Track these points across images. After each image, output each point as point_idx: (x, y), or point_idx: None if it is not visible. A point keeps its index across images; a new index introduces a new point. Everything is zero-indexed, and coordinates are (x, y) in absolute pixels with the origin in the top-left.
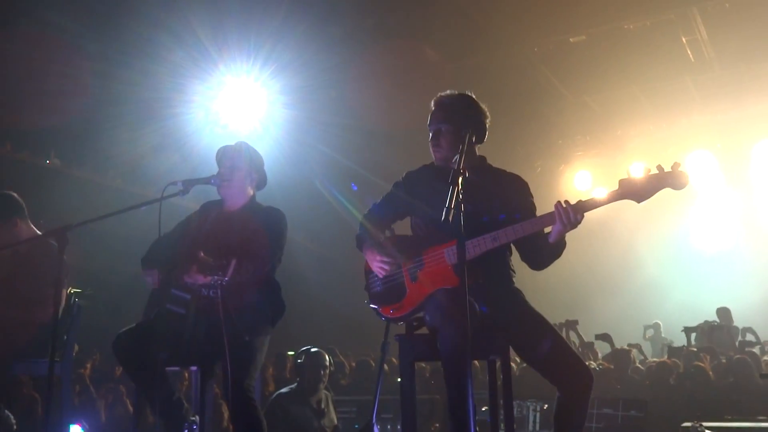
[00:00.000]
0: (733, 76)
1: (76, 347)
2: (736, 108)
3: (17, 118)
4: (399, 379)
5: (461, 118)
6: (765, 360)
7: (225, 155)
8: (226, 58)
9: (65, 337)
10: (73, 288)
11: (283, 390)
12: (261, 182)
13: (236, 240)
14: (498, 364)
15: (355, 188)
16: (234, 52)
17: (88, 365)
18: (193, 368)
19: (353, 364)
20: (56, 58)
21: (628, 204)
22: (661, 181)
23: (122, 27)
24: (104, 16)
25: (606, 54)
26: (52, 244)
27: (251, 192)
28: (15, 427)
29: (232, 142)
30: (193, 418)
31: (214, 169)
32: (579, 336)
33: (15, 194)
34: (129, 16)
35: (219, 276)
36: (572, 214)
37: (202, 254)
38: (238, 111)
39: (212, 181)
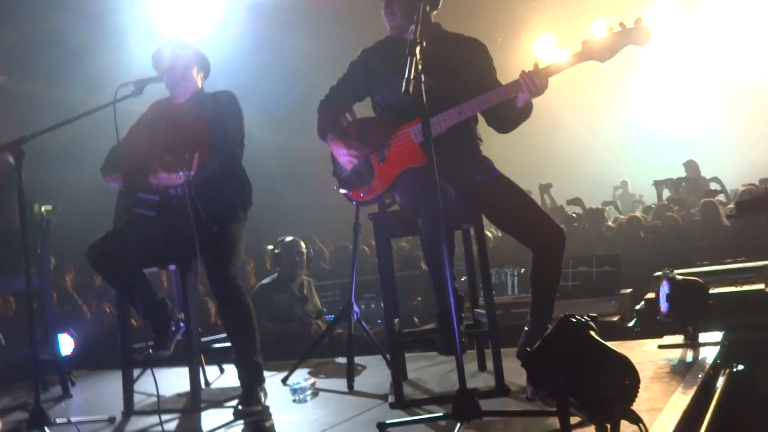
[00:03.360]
0: None
1: (53, 260)
2: None
3: None
4: None
5: None
6: (729, 207)
7: (166, 55)
8: None
9: (39, 251)
10: (43, 204)
11: (265, 281)
12: (207, 69)
13: (192, 131)
14: (472, 232)
15: None
16: None
17: (68, 277)
18: (172, 267)
19: (332, 249)
20: None
21: (590, 66)
22: (623, 38)
23: None
24: None
25: None
26: (8, 159)
27: (200, 83)
28: (2, 342)
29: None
30: (180, 316)
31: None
32: (552, 200)
33: None
34: None
35: (185, 172)
36: (537, 80)
37: (162, 157)
38: (176, 11)
39: (165, 81)
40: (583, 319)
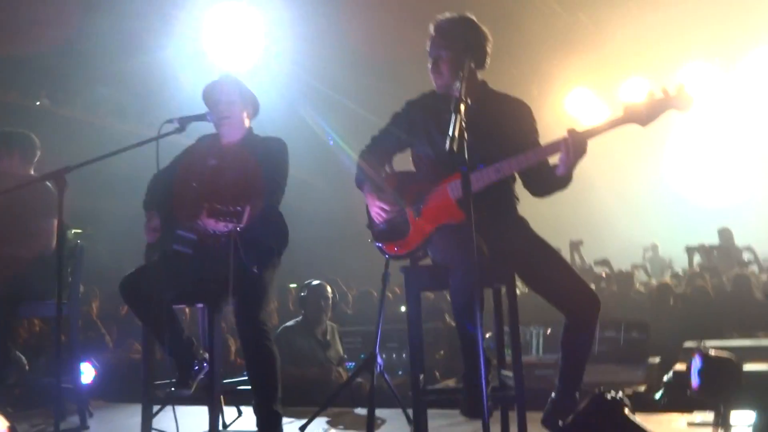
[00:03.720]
0: None
1: (82, 287)
2: (734, 18)
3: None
4: (403, 308)
5: (461, 43)
6: (763, 279)
7: (216, 91)
8: None
9: (70, 279)
10: (73, 228)
11: (289, 323)
12: (255, 111)
13: (242, 177)
14: (503, 291)
15: (332, 143)
16: None
17: (94, 304)
18: (200, 305)
19: (355, 293)
20: None
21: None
22: (665, 104)
23: None
24: None
25: None
26: (46, 184)
27: (248, 123)
28: (27, 367)
29: (219, 75)
30: (203, 355)
31: (201, 103)
32: (582, 258)
33: (33, 136)
34: None
35: (234, 223)
36: (581, 142)
37: (213, 204)
38: (227, 44)
39: (209, 117)
40: (617, 397)
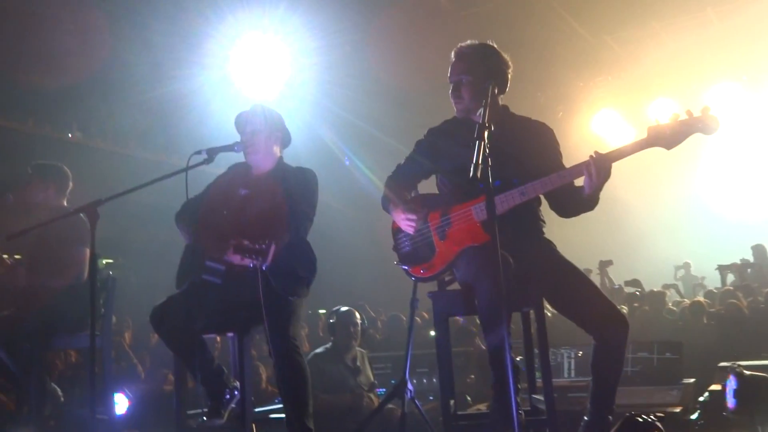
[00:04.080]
0: (758, 4)
1: (114, 318)
2: (762, 38)
3: (33, 78)
4: (432, 333)
5: (482, 69)
6: None
7: (243, 121)
8: (239, 16)
9: (102, 310)
10: (104, 258)
11: (318, 350)
12: (285, 140)
13: (267, 207)
14: (532, 314)
15: (348, 162)
16: (250, 9)
17: (127, 334)
18: (230, 334)
19: (384, 318)
20: (68, 17)
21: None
22: (691, 127)
23: None
24: None
25: None
26: (82, 216)
27: (278, 152)
28: (62, 399)
29: (247, 104)
30: (234, 384)
31: (231, 130)
32: (610, 280)
33: (68, 171)
34: None
35: (259, 261)
36: (605, 165)
37: (240, 240)
38: (253, 73)
39: (236, 148)
40: (649, 419)
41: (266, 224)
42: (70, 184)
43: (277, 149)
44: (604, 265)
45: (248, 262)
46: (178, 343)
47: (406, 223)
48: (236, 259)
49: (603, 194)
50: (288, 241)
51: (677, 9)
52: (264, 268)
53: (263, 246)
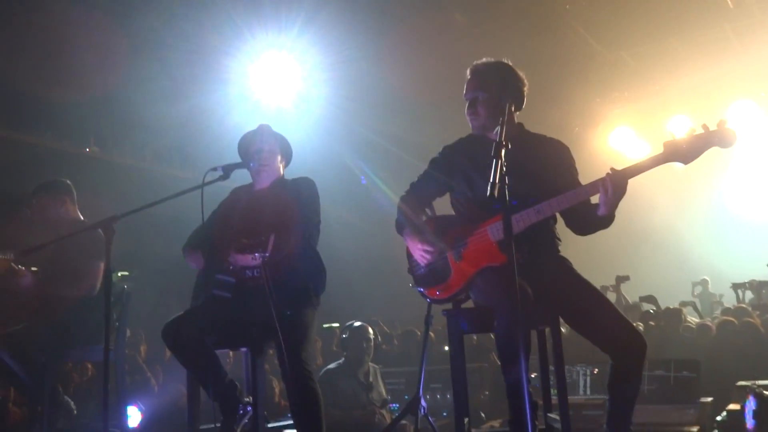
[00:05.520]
0: None
1: (129, 332)
2: None
3: (51, 93)
4: (446, 348)
5: (498, 86)
6: None
7: (257, 140)
8: (256, 32)
9: (117, 323)
10: (119, 271)
11: (331, 366)
12: (289, 160)
13: (270, 215)
14: (547, 331)
15: (364, 182)
16: (266, 26)
17: (142, 348)
18: (243, 349)
19: (398, 333)
20: (87, 34)
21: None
22: (707, 141)
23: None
24: None
25: (641, 6)
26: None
27: (282, 171)
28: (75, 411)
29: (263, 120)
30: (247, 399)
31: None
32: (624, 297)
33: (69, 182)
34: None
35: (260, 253)
36: (620, 182)
37: (240, 239)
38: (271, 88)
39: (251, 165)
40: None
41: (268, 226)
42: (74, 192)
43: (282, 168)
44: (621, 280)
45: (250, 259)
46: (191, 359)
47: (421, 254)
48: (240, 259)
49: (620, 209)
50: (295, 243)
51: (694, 25)
52: (266, 259)
53: (262, 238)
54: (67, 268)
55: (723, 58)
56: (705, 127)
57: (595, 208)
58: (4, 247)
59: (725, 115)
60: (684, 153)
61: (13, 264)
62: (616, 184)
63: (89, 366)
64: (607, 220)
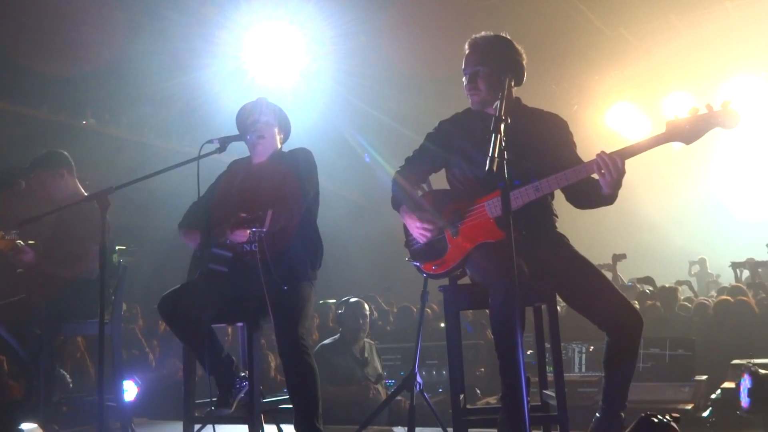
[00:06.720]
0: None
1: (124, 306)
2: None
3: (48, 65)
4: (442, 324)
5: (498, 60)
6: None
7: (255, 111)
8: (253, 4)
9: (113, 297)
10: (117, 245)
11: (326, 341)
12: (287, 134)
13: (268, 189)
14: (543, 308)
15: (368, 160)
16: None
17: (141, 321)
18: (240, 324)
19: (395, 311)
20: (84, 6)
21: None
22: (710, 121)
23: None
24: None
25: None
26: (93, 206)
27: (279, 145)
28: (71, 385)
29: (262, 94)
30: (243, 374)
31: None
32: (620, 278)
33: (65, 152)
34: None
35: (257, 228)
36: (614, 162)
37: (238, 214)
38: (268, 63)
39: (248, 137)
40: (665, 419)
41: (266, 200)
42: (72, 163)
43: (279, 142)
44: (618, 258)
45: (248, 234)
46: (187, 333)
47: (420, 232)
48: (237, 235)
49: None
50: (293, 215)
51: (694, 1)
52: (262, 234)
53: (260, 213)
54: (65, 249)
55: (722, 35)
56: (709, 107)
57: (597, 183)
58: (2, 220)
59: (723, 93)
60: (687, 133)
61: (19, 242)
62: (610, 164)
63: (79, 341)
64: (610, 198)
